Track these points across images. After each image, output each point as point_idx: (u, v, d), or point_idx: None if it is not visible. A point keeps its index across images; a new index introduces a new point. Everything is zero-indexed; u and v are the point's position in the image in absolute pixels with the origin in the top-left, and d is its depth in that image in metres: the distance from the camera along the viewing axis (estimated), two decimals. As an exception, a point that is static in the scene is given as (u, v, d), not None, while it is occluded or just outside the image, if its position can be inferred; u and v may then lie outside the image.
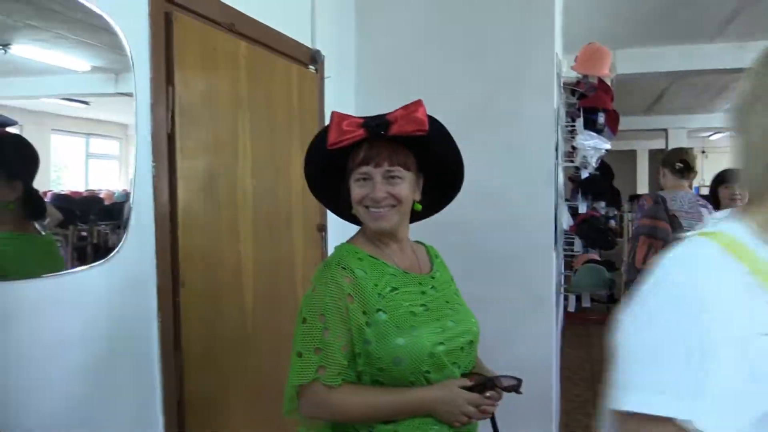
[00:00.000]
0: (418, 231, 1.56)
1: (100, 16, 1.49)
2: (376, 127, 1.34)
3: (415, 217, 1.48)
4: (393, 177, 1.36)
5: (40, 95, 1.52)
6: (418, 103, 1.37)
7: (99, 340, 1.48)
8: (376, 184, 1.35)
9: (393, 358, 1.28)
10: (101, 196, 1.62)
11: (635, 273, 3.20)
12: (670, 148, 13.42)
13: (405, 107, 1.36)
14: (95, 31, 1.55)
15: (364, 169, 1.35)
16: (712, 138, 15.23)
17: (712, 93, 9.62)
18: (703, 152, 16.59)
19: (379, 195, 1.34)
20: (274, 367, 2.25)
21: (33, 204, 1.39)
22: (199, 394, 1.82)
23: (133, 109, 1.58)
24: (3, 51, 1.37)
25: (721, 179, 3.37)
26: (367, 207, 1.37)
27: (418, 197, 1.44)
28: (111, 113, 1.72)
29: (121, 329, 1.55)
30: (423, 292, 1.40)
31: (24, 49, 1.43)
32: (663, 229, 3.14)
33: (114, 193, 1.67)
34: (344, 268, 1.34)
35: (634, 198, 14.12)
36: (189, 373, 1.77)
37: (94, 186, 1.62)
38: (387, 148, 1.36)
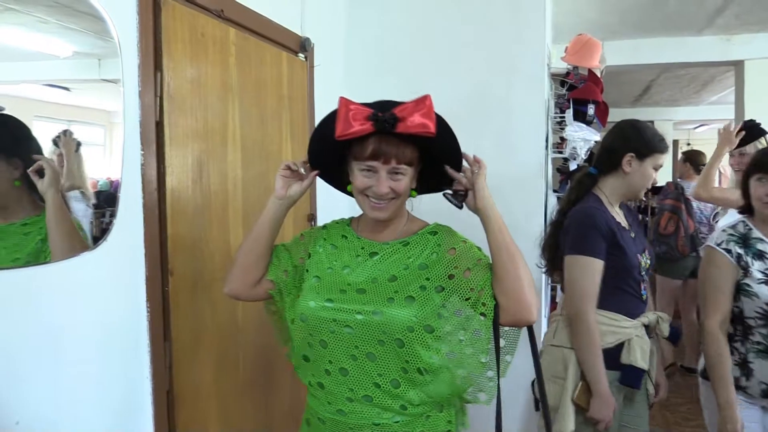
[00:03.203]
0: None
1: (86, 2, 1.46)
2: (384, 123, 1.36)
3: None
4: (398, 173, 1.42)
5: (21, 80, 1.47)
6: (425, 100, 1.38)
7: (87, 331, 1.46)
8: (381, 179, 1.40)
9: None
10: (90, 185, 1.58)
11: (660, 237, 4.73)
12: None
13: (413, 102, 1.37)
14: (78, 16, 1.51)
15: (371, 163, 1.40)
16: (697, 130, 15.35)
17: (698, 85, 9.67)
18: (689, 144, 16.72)
19: (383, 190, 1.40)
20: (264, 357, 2.23)
21: (31, 185, 1.39)
22: (188, 385, 1.80)
23: (118, 96, 1.55)
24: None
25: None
26: (367, 196, 1.43)
27: (414, 185, 1.49)
28: (94, 99, 1.68)
29: (109, 319, 1.53)
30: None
31: (4, 33, 1.40)
32: (681, 209, 4.73)
33: (98, 181, 1.64)
34: (321, 226, 1.62)
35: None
36: (178, 364, 1.75)
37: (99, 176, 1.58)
38: (395, 145, 1.40)
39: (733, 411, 1.99)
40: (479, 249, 1.49)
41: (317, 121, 2.66)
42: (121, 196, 1.55)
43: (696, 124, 14.70)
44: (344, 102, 1.39)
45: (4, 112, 1.37)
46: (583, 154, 3.68)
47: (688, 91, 10.40)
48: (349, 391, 1.42)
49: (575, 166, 4.27)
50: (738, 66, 6.68)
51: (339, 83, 3.10)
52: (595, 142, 3.76)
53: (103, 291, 1.51)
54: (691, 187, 4.41)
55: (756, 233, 2.08)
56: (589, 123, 3.73)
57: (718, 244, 2.08)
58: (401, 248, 1.48)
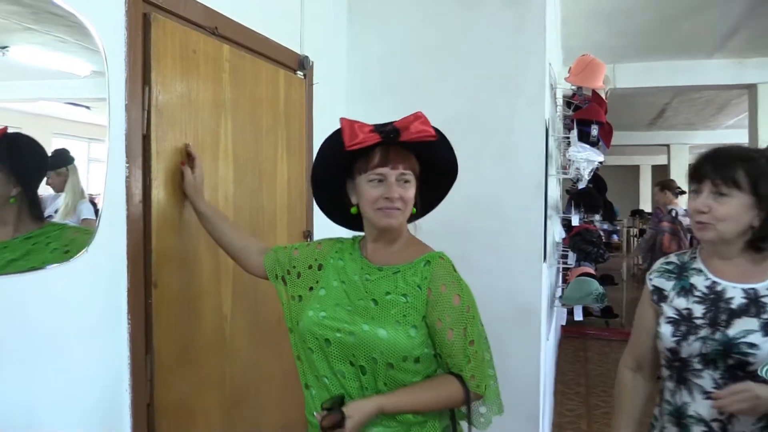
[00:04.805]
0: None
1: (81, 19, 1.48)
2: (389, 132, 1.45)
3: (409, 219, 1.60)
4: (405, 181, 1.49)
5: (40, 98, 1.52)
6: (420, 114, 1.48)
7: (64, 339, 1.46)
8: (392, 185, 1.47)
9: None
10: (96, 201, 1.60)
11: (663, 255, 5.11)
12: (672, 164, 13.42)
13: (410, 116, 1.48)
14: (92, 36, 1.54)
15: (381, 170, 1.47)
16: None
17: (713, 109, 9.61)
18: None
19: (394, 194, 1.46)
20: (253, 375, 2.22)
21: (31, 203, 1.44)
22: (171, 399, 1.79)
23: (107, 109, 1.57)
24: (1, 53, 1.38)
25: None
26: (378, 208, 1.48)
27: (414, 201, 1.55)
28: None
29: (88, 329, 1.53)
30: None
31: (23, 52, 1.44)
32: (678, 230, 5.60)
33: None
34: (338, 239, 1.68)
35: (636, 213, 14.08)
36: (161, 377, 1.74)
37: (93, 191, 1.60)
38: (400, 152, 1.48)
39: None
40: (464, 294, 1.50)
41: (315, 138, 2.70)
42: (104, 208, 1.55)
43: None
44: (346, 119, 1.48)
45: (20, 131, 1.41)
46: (586, 175, 3.67)
47: (704, 115, 10.35)
48: (328, 401, 1.46)
49: (583, 187, 4.26)
50: (751, 89, 6.65)
51: (340, 101, 3.12)
52: (599, 163, 3.75)
53: (83, 301, 1.51)
54: (675, 209, 5.73)
55: (697, 263, 1.70)
56: (593, 144, 3.73)
57: (650, 274, 1.79)
58: (391, 276, 1.52)
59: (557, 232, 3.80)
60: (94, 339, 1.55)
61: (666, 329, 1.65)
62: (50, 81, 1.54)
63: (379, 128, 1.47)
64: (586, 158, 3.55)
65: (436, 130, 1.52)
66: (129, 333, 1.63)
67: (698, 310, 1.62)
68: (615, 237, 11.05)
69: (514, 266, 3.01)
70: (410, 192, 1.50)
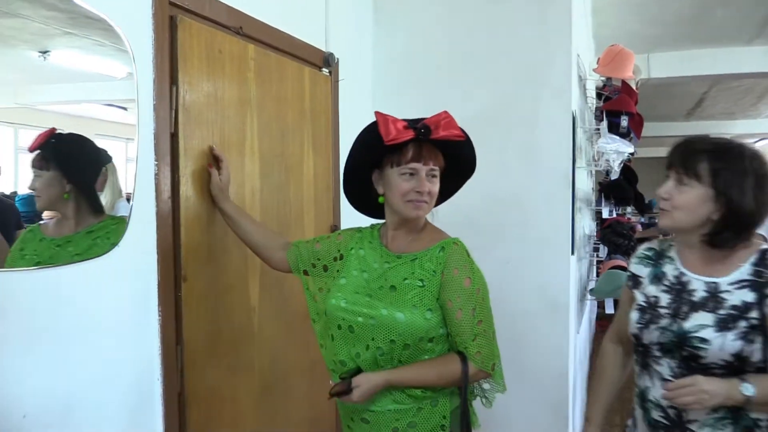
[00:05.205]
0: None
1: (110, 23, 1.54)
2: (421, 130, 1.56)
3: None
4: (433, 176, 1.61)
5: (79, 100, 1.60)
6: (447, 113, 1.60)
7: (99, 331, 1.52)
8: (422, 179, 1.58)
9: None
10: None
11: None
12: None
13: (438, 115, 1.59)
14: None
15: (414, 165, 1.58)
16: (757, 144, 14.76)
17: (754, 98, 9.34)
18: (749, 159, 16.03)
19: (425, 188, 1.58)
20: (281, 364, 2.28)
21: (89, 197, 1.54)
22: (201, 388, 1.85)
23: (136, 108, 1.63)
24: (43, 58, 1.45)
25: None
26: (409, 200, 1.59)
27: None
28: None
29: (121, 321, 1.59)
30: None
31: (63, 56, 1.51)
32: None
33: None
34: (357, 229, 1.81)
35: (674, 205, 13.76)
36: (191, 367, 1.80)
37: (130, 189, 1.66)
38: (432, 149, 1.60)
39: (593, 428, 1.88)
40: (474, 277, 1.59)
41: (342, 134, 2.73)
42: (134, 204, 1.62)
43: (756, 138, 14.13)
44: (381, 114, 1.58)
45: (71, 131, 1.50)
46: (616, 166, 3.62)
47: (744, 104, 10.05)
48: (345, 372, 1.57)
49: (615, 178, 4.20)
50: (792, 77, 6.44)
51: (366, 97, 3.15)
52: (630, 154, 3.70)
53: (115, 294, 1.57)
54: None
55: (672, 252, 1.71)
56: (624, 135, 3.68)
57: (632, 258, 1.82)
58: (409, 262, 1.63)
59: (587, 225, 3.77)
60: (126, 331, 1.62)
61: (633, 315, 1.68)
62: (89, 83, 1.62)
63: (411, 125, 1.58)
64: (616, 149, 3.51)
65: (461, 130, 1.62)
66: (160, 324, 1.70)
67: (664, 299, 1.65)
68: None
69: (542, 259, 3.00)
70: (437, 186, 1.62)
